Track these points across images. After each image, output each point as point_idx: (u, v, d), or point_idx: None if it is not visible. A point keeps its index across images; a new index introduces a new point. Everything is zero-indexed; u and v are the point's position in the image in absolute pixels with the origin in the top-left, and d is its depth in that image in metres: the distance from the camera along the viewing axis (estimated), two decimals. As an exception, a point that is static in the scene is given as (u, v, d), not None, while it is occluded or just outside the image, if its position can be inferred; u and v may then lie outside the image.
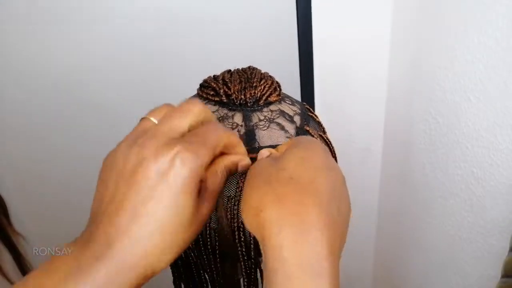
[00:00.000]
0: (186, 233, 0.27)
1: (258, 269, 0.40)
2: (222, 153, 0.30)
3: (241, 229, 0.36)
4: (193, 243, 0.38)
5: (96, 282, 0.24)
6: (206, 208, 0.29)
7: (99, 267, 0.25)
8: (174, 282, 0.47)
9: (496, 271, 0.75)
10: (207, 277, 0.41)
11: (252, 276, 0.40)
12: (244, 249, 0.37)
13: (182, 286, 0.46)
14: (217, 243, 0.38)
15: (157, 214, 0.26)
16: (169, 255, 0.27)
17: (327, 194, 0.27)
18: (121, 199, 0.26)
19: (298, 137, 0.34)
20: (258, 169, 0.30)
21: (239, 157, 0.32)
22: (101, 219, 0.26)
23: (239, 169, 0.32)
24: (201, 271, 0.41)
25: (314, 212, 0.26)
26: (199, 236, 0.37)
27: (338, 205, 0.28)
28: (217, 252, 0.38)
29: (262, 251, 0.27)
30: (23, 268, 0.69)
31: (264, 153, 0.33)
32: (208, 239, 0.37)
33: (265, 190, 0.27)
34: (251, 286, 0.41)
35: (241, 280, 0.40)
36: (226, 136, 0.30)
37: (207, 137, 0.28)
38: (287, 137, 0.38)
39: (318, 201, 0.26)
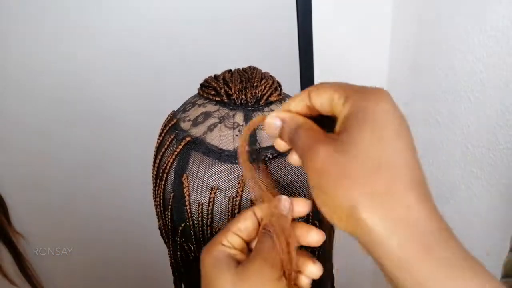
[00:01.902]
0: None
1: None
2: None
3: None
4: (194, 243, 0.38)
5: None
6: (256, 265, 0.29)
7: None
8: (174, 282, 0.47)
9: (496, 271, 0.75)
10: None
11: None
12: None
13: (182, 286, 0.46)
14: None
15: None
16: None
17: (411, 164, 0.23)
18: None
19: (354, 95, 0.26)
20: (324, 162, 0.24)
21: (257, 210, 0.32)
22: None
23: (258, 214, 0.31)
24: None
25: (412, 193, 0.23)
26: (200, 236, 0.37)
27: (418, 161, 0.24)
28: None
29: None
30: (23, 268, 0.69)
31: (271, 122, 0.29)
32: (210, 239, 0.37)
33: (350, 184, 0.23)
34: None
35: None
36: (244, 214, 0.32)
37: (229, 223, 0.32)
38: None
39: (416, 185, 0.23)
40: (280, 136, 0.28)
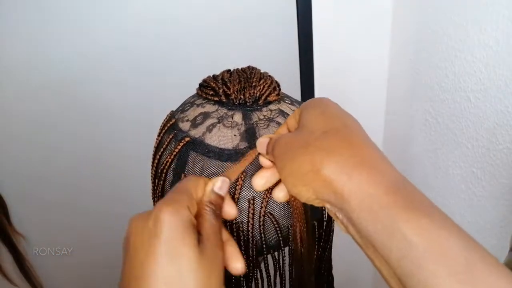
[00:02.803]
0: (202, 277, 0.27)
1: (258, 269, 0.40)
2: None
3: (241, 228, 0.36)
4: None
5: None
6: (210, 249, 0.28)
7: None
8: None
9: (496, 271, 0.75)
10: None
11: (251, 277, 0.40)
12: (243, 248, 0.37)
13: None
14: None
15: (160, 273, 0.26)
16: None
17: (361, 129, 0.29)
18: (129, 271, 0.27)
19: (301, 105, 0.34)
20: (286, 143, 0.30)
21: (209, 185, 0.32)
22: None
23: (217, 190, 0.32)
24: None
25: (369, 148, 0.28)
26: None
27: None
28: None
29: (336, 205, 0.27)
30: (23, 268, 0.69)
31: (263, 141, 0.33)
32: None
33: (310, 152, 0.27)
34: (251, 286, 0.41)
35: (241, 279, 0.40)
36: (196, 179, 0.31)
37: (182, 187, 0.30)
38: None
39: (362, 138, 0.28)
40: (267, 151, 0.33)
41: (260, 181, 0.34)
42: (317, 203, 0.29)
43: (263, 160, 0.34)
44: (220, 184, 0.32)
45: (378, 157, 0.27)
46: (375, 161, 0.27)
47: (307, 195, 0.28)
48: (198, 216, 0.30)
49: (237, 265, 0.31)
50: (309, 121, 0.30)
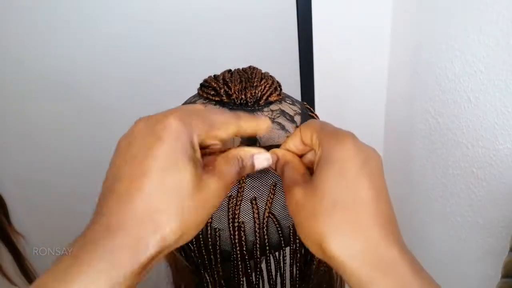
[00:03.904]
0: (192, 201, 0.26)
1: (258, 270, 0.40)
2: None
3: (242, 229, 0.36)
4: (194, 242, 0.38)
5: (104, 254, 0.23)
6: (214, 183, 0.27)
7: (106, 239, 0.24)
8: (174, 282, 0.47)
9: (496, 271, 0.75)
10: (207, 278, 0.41)
11: (252, 277, 0.40)
12: (245, 249, 0.37)
13: (182, 286, 0.46)
14: (217, 243, 0.38)
15: (155, 173, 0.25)
16: (177, 223, 0.25)
17: (375, 201, 0.27)
18: (119, 169, 0.26)
19: (325, 141, 0.30)
20: (297, 203, 0.29)
21: (256, 150, 0.31)
22: (102, 198, 0.26)
23: (256, 164, 0.31)
24: (202, 271, 0.41)
25: (376, 229, 0.26)
26: (200, 235, 0.37)
27: (386, 199, 0.28)
28: (218, 251, 0.38)
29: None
30: (23, 268, 0.69)
31: (269, 157, 0.32)
32: (209, 239, 0.37)
33: (316, 220, 0.27)
34: (252, 287, 0.41)
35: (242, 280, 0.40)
36: (228, 117, 0.30)
37: (206, 115, 0.29)
38: (288, 137, 0.38)
39: (373, 215, 0.26)
40: (275, 168, 0.33)
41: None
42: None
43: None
44: (261, 161, 0.32)
45: (386, 238, 0.26)
46: (381, 243, 0.26)
47: (315, 253, 0.28)
48: (219, 153, 0.30)
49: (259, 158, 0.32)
50: (326, 180, 0.27)
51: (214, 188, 0.28)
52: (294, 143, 0.33)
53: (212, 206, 0.28)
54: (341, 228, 0.26)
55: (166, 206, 0.25)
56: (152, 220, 0.24)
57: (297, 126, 0.39)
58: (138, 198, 0.25)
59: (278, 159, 0.33)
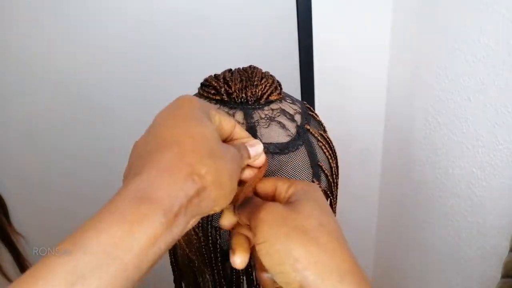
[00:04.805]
0: (219, 145, 0.28)
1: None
2: None
3: (242, 228, 0.36)
4: (195, 241, 0.38)
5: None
6: (233, 149, 0.29)
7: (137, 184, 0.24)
8: (175, 281, 0.47)
9: (496, 271, 0.75)
10: (207, 277, 0.41)
11: (252, 276, 0.40)
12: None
13: (183, 285, 0.46)
14: (218, 242, 0.38)
15: (182, 126, 0.27)
16: (210, 164, 0.26)
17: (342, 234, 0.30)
18: (146, 138, 0.28)
19: (298, 183, 0.33)
20: (277, 214, 0.29)
21: (245, 139, 0.33)
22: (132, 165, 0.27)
23: (251, 152, 0.32)
24: (202, 271, 0.41)
25: (347, 255, 0.29)
26: (200, 235, 0.37)
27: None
28: (218, 250, 0.38)
29: None
30: (23, 268, 0.69)
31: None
32: (209, 238, 0.37)
33: (300, 239, 0.27)
34: (252, 286, 0.41)
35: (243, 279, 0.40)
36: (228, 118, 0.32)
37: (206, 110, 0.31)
38: (288, 136, 0.38)
39: (344, 244, 0.29)
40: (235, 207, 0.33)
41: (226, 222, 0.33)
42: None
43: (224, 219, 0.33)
44: (253, 145, 0.33)
45: (353, 260, 0.28)
46: (352, 266, 0.28)
47: (280, 279, 0.28)
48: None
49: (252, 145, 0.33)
50: (307, 206, 0.30)
51: (233, 150, 0.30)
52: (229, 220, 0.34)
53: (238, 165, 0.29)
54: (317, 244, 0.28)
55: (198, 148, 0.26)
56: (186, 164, 0.25)
57: (297, 125, 0.39)
58: (172, 147, 0.26)
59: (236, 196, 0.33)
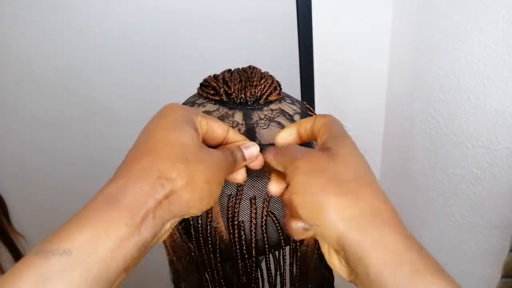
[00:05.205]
0: (196, 152, 0.28)
1: (258, 269, 0.40)
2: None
3: (242, 228, 0.36)
4: (194, 241, 0.38)
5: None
6: (216, 153, 0.30)
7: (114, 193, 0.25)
8: (174, 281, 0.47)
9: (496, 271, 0.75)
10: (207, 277, 0.41)
11: (252, 276, 0.40)
12: (244, 248, 0.37)
13: (183, 286, 0.46)
14: (217, 242, 0.38)
15: (160, 132, 0.28)
16: (182, 170, 0.26)
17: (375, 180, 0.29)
18: (132, 148, 0.29)
19: (330, 121, 0.32)
20: (314, 164, 0.28)
21: (240, 142, 0.34)
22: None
23: (247, 155, 0.33)
24: (202, 271, 0.41)
25: (390, 209, 0.27)
26: (200, 235, 0.37)
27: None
28: (218, 250, 0.38)
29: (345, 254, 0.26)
30: (23, 268, 0.68)
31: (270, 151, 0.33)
32: (209, 238, 0.37)
33: (337, 192, 0.27)
34: (252, 286, 0.41)
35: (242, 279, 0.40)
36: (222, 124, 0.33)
37: (192, 119, 0.31)
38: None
39: (383, 197, 0.28)
40: (275, 158, 0.32)
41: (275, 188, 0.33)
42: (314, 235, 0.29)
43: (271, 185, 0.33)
44: (248, 147, 0.33)
45: (394, 212, 0.27)
46: (393, 216, 0.27)
47: (316, 231, 0.27)
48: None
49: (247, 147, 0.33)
50: (343, 155, 0.29)
51: (217, 154, 0.30)
52: (289, 134, 0.34)
53: (220, 168, 0.30)
54: (359, 193, 0.27)
55: (170, 154, 0.27)
56: (156, 169, 0.26)
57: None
58: (144, 156, 0.27)
59: (276, 149, 0.33)
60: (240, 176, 0.34)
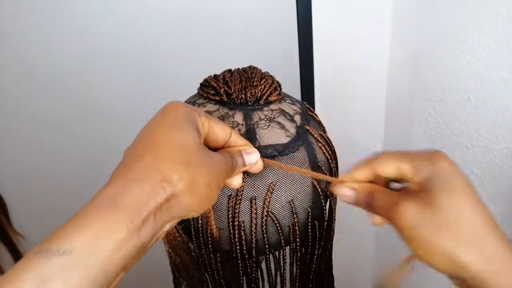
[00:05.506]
0: (197, 154, 0.28)
1: (258, 269, 0.40)
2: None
3: (242, 228, 0.36)
4: (194, 242, 0.38)
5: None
6: (217, 156, 0.30)
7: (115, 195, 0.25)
8: (174, 281, 0.47)
9: (496, 271, 0.75)
10: (207, 277, 0.41)
11: (252, 276, 0.40)
12: (244, 248, 0.37)
13: (183, 286, 0.46)
14: (217, 242, 0.38)
15: (161, 132, 0.28)
16: (184, 172, 0.26)
17: (486, 213, 0.31)
18: (131, 146, 0.29)
19: (426, 164, 0.32)
20: (414, 215, 0.29)
21: (242, 146, 0.33)
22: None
23: (247, 161, 0.33)
24: (202, 271, 0.41)
25: (492, 236, 0.30)
26: (200, 235, 0.37)
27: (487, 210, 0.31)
28: (218, 251, 0.38)
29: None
30: (23, 268, 0.68)
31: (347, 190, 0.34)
32: (209, 238, 0.37)
33: (446, 234, 0.28)
34: (252, 286, 0.41)
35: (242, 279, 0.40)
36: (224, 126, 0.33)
37: (194, 120, 0.31)
38: (288, 136, 0.38)
39: (493, 226, 0.30)
40: (357, 203, 0.33)
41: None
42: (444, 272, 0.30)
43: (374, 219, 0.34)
44: (250, 154, 0.33)
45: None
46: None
47: (438, 267, 0.29)
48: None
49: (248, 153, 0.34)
50: (442, 198, 0.29)
51: (218, 157, 0.30)
52: (359, 176, 0.34)
53: (220, 172, 0.30)
54: (470, 239, 0.28)
55: (172, 156, 0.27)
56: (158, 171, 0.26)
57: (297, 126, 0.39)
58: (146, 156, 0.26)
59: (357, 192, 0.33)
60: (236, 182, 0.34)
